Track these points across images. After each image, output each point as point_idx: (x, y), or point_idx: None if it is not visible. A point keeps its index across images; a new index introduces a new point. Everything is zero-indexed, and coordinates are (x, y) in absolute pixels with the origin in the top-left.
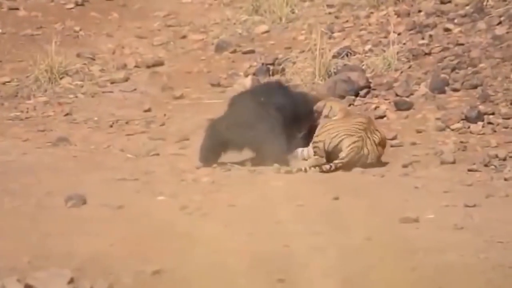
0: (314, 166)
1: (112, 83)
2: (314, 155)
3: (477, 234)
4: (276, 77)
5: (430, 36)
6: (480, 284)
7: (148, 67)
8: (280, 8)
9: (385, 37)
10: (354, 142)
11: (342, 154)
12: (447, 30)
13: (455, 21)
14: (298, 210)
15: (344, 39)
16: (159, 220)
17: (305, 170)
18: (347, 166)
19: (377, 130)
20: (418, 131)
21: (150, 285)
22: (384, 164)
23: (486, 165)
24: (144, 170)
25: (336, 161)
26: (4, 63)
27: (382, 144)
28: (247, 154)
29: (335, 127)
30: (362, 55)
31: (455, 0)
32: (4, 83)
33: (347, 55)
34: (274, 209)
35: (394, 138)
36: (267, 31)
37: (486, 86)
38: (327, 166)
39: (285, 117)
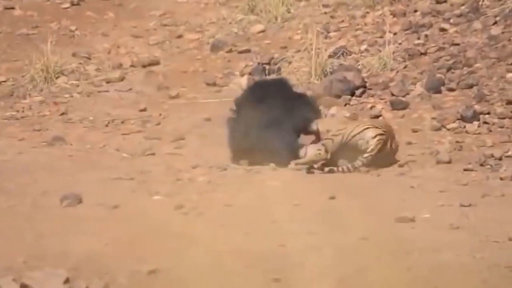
0: (310, 163)
1: (107, 82)
2: (318, 150)
3: (473, 234)
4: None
5: (426, 36)
6: (476, 283)
7: (144, 66)
8: (276, 7)
9: (381, 37)
10: (380, 134)
11: (369, 147)
12: (442, 30)
13: (451, 21)
14: (294, 210)
15: (339, 38)
16: (155, 219)
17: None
18: (373, 162)
19: (394, 138)
20: (414, 131)
21: (145, 284)
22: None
23: (481, 165)
24: (139, 170)
25: (365, 155)
26: (0, 63)
27: (394, 151)
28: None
29: (358, 121)
30: (358, 54)
31: (451, 0)
32: None
33: (342, 55)
34: (270, 208)
35: None
36: (263, 31)
37: (481, 86)
38: (360, 162)
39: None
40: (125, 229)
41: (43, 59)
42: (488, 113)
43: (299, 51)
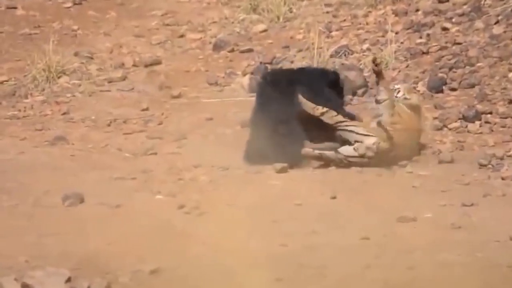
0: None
1: (109, 82)
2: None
3: (474, 233)
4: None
5: (428, 35)
6: (477, 283)
7: (146, 66)
8: (278, 7)
9: (383, 36)
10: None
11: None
12: (444, 29)
13: (453, 20)
14: (296, 209)
15: (341, 38)
16: (157, 219)
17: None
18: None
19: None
20: None
21: (147, 284)
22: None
23: (483, 165)
24: (141, 169)
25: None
26: (2, 62)
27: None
28: None
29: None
30: (360, 54)
31: None
32: (1, 82)
33: (344, 54)
34: (272, 208)
35: None
36: (265, 30)
37: (483, 85)
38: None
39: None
40: (127, 229)
41: (45, 58)
42: (490, 113)
43: (301, 50)
